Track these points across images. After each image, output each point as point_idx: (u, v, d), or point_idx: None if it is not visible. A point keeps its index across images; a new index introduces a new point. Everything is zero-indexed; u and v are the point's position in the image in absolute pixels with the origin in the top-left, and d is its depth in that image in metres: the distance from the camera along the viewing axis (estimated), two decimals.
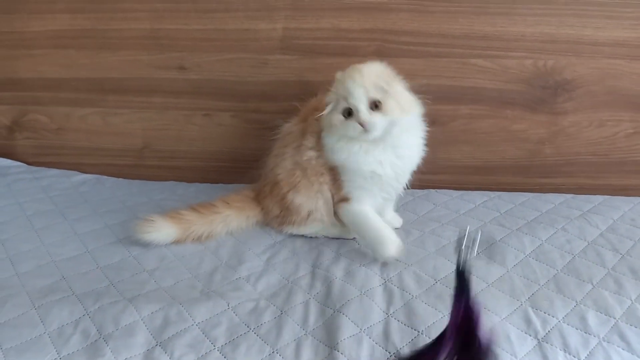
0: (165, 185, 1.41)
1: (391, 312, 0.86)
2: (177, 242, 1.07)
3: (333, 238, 1.12)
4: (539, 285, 0.92)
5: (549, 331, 0.81)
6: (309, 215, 1.11)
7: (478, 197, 1.31)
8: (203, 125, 1.42)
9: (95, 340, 0.79)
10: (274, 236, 1.14)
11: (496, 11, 1.24)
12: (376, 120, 0.97)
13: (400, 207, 1.24)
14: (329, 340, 0.80)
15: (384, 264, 1.00)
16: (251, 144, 1.39)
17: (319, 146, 1.07)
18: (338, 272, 0.98)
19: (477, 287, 0.92)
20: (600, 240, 1.07)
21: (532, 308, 0.86)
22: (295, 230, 1.14)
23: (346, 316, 0.84)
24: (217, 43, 1.34)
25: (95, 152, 1.48)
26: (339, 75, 1.02)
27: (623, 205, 1.23)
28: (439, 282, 0.94)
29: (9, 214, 1.19)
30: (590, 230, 1.12)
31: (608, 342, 0.78)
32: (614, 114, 1.31)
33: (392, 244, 1.00)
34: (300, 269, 1.00)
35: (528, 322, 0.83)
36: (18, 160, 1.51)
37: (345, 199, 1.08)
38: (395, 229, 1.15)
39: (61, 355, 0.77)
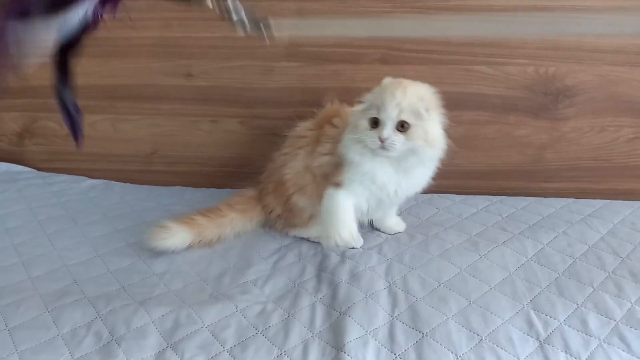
0: (173, 190, 1.43)
1: (396, 314, 0.88)
2: (189, 246, 1.09)
3: None
4: (541, 288, 0.94)
5: (550, 333, 0.83)
6: (310, 218, 1.13)
7: (480, 202, 1.33)
8: (210, 131, 1.45)
9: (108, 342, 0.82)
10: (280, 240, 1.16)
11: (499, 19, 1.26)
12: (397, 141, 0.96)
13: (404, 212, 1.26)
14: (336, 342, 0.82)
15: (335, 249, 1.00)
16: (257, 149, 1.41)
17: (334, 152, 1.06)
18: (343, 275, 1.00)
19: (480, 290, 0.94)
20: (600, 244, 1.09)
21: (534, 310, 0.88)
22: (297, 232, 1.16)
23: (352, 318, 0.86)
24: (225, 50, 1.36)
25: (105, 158, 1.50)
26: (385, 81, 1.00)
27: (623, 209, 1.25)
28: (442, 285, 0.96)
29: (21, 218, 1.22)
30: (591, 234, 1.13)
31: (608, 344, 0.80)
32: (615, 119, 1.33)
33: (344, 231, 0.99)
34: (306, 272, 1.02)
35: (530, 324, 0.85)
36: (27, 166, 1.53)
37: (337, 184, 1.04)
38: (399, 233, 1.18)
39: (75, 357, 0.79)
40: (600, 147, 1.36)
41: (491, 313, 0.87)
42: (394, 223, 1.19)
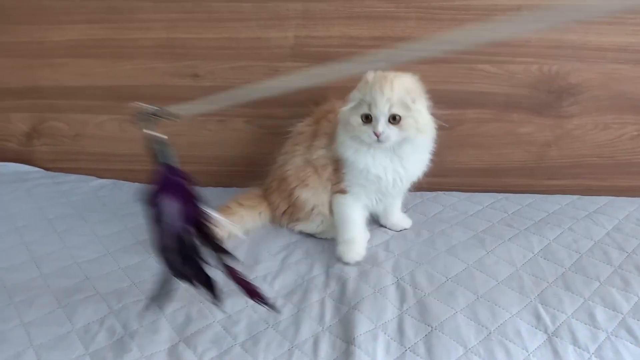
0: None
1: (405, 308, 0.89)
2: None
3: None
4: (548, 282, 0.95)
5: (558, 326, 0.84)
6: (313, 209, 1.15)
7: (485, 199, 1.34)
8: (217, 131, 1.46)
9: (121, 337, 0.83)
10: (288, 237, 1.17)
11: (502, 18, 1.27)
12: (391, 133, 1.00)
13: (410, 209, 1.27)
14: (346, 335, 0.83)
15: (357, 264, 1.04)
16: (263, 148, 1.42)
17: (330, 145, 1.10)
18: (351, 271, 1.01)
19: (487, 284, 0.95)
20: (606, 239, 1.10)
21: (542, 304, 0.89)
22: (301, 227, 1.18)
23: (361, 313, 0.87)
24: (230, 51, 1.37)
25: (111, 158, 1.51)
26: (369, 77, 1.01)
27: (628, 205, 1.26)
28: (450, 280, 0.97)
29: (31, 217, 1.23)
30: (597, 230, 1.14)
31: (616, 337, 0.81)
32: (618, 117, 1.34)
33: (355, 255, 1.05)
34: (315, 268, 1.04)
35: (538, 317, 0.86)
36: (36, 166, 1.55)
37: (342, 191, 1.12)
38: (405, 229, 1.19)
39: (89, 351, 0.80)
40: (604, 145, 1.37)
41: (499, 307, 0.88)
42: (400, 219, 1.20)
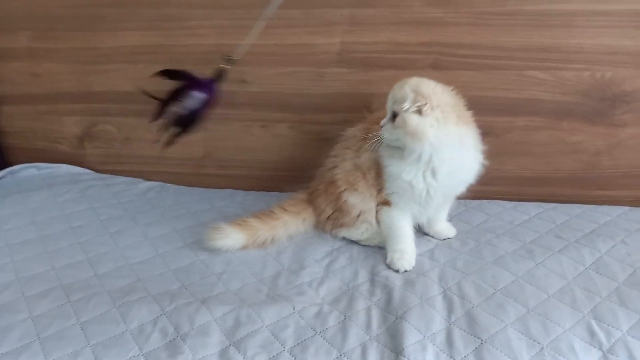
0: (225, 192, 1.47)
1: (452, 320, 0.88)
2: (244, 247, 1.13)
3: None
4: (601, 297, 0.93)
5: (613, 343, 0.81)
6: (359, 215, 1.15)
7: (532, 209, 1.31)
8: (260, 136, 1.48)
9: (174, 339, 0.85)
10: (331, 243, 1.17)
11: (555, 23, 1.24)
12: (386, 130, 1.04)
13: (454, 217, 1.26)
14: (394, 345, 0.83)
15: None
16: (306, 154, 1.43)
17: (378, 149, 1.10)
18: (397, 280, 1.01)
19: (538, 297, 0.93)
20: None
21: (595, 320, 0.87)
22: (345, 233, 1.18)
23: (409, 323, 0.87)
24: (277, 57, 1.39)
25: (159, 161, 1.55)
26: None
27: None
28: (499, 292, 0.95)
29: (85, 218, 1.28)
30: None
31: None
32: None
33: (406, 264, 1.06)
34: (359, 276, 1.04)
35: (592, 333, 0.83)
36: (86, 167, 1.60)
37: (386, 203, 1.12)
38: (449, 238, 1.18)
39: (143, 352, 0.82)
40: None
41: (551, 321, 0.86)
42: (445, 228, 1.19)
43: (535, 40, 1.26)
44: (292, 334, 0.86)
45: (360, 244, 1.17)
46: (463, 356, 0.80)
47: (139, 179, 1.55)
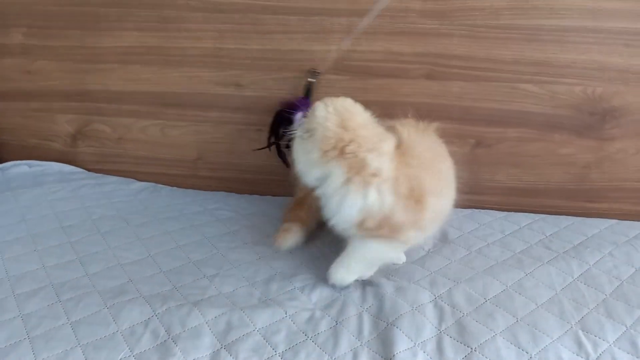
0: (218, 195, 1.47)
1: (443, 328, 0.89)
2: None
3: None
4: (589, 309, 0.94)
5: (600, 354, 0.83)
6: None
7: (522, 219, 1.33)
8: (255, 140, 1.48)
9: (165, 341, 0.85)
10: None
11: (548, 38, 1.26)
12: None
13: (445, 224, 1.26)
14: (385, 352, 0.83)
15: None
16: None
17: None
18: (388, 287, 1.01)
19: (527, 307, 0.94)
20: None
21: (583, 331, 0.88)
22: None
23: (400, 330, 0.88)
24: (273, 62, 1.39)
25: (152, 162, 1.55)
26: None
27: None
28: (488, 301, 0.97)
29: (76, 217, 1.27)
30: (637, 256, 1.13)
31: None
32: None
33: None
34: (351, 283, 1.04)
35: (579, 344, 0.85)
36: (78, 166, 1.59)
37: None
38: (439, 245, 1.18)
39: (134, 353, 0.82)
40: None
41: (539, 331, 0.88)
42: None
43: (528, 54, 1.28)
44: (284, 338, 0.87)
45: None
46: None
47: (132, 179, 1.54)
